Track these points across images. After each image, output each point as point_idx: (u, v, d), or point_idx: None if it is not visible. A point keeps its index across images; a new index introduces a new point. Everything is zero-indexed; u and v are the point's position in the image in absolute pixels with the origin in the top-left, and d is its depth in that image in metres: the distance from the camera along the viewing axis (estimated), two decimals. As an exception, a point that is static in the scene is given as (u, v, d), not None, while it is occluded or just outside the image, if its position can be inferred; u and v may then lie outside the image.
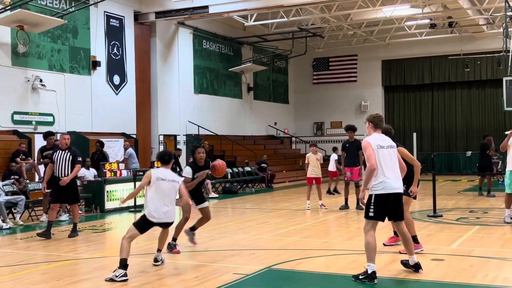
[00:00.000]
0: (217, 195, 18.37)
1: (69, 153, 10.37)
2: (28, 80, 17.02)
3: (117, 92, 20.18)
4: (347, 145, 13.90)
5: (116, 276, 6.79)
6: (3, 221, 11.63)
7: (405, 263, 6.98)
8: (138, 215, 13.99)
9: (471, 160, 27.38)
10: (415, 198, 8.23)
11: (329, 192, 17.86)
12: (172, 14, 21.39)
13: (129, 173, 15.70)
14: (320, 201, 14.21)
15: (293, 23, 25.65)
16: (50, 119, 17.65)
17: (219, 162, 8.90)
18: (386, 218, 6.75)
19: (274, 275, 7.21)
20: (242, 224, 11.90)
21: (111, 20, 19.99)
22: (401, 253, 7.80)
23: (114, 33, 20.10)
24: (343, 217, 12.80)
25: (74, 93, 18.46)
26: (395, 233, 8.47)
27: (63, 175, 10.26)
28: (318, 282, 6.88)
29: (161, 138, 22.38)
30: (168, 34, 22.98)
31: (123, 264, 6.87)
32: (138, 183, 15.20)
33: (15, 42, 16.38)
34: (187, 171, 8.68)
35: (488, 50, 26.83)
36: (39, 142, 15.77)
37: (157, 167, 7.93)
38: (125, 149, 18.04)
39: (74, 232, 10.41)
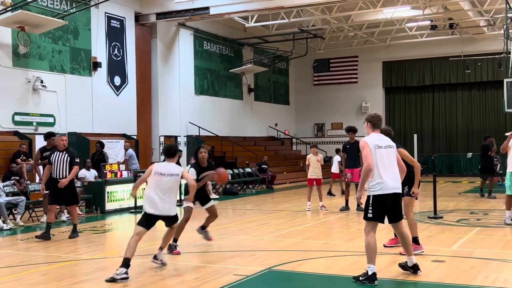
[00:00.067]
0: (217, 196, 18.37)
1: (66, 154, 10.34)
2: (29, 81, 17.02)
3: (117, 93, 20.19)
4: (347, 146, 13.90)
5: (117, 275, 6.81)
6: (4, 222, 11.63)
7: (403, 266, 6.94)
8: (139, 216, 14.02)
9: (471, 161, 27.36)
10: (416, 198, 8.24)
11: (329, 193, 17.85)
12: (173, 15, 21.40)
13: (129, 174, 15.70)
14: (320, 202, 14.21)
15: (293, 24, 25.66)
16: (50, 120, 17.66)
17: (223, 170, 8.94)
18: (386, 220, 6.73)
19: (274, 276, 7.21)
20: (242, 225, 11.90)
21: (112, 21, 20.00)
22: (401, 254, 7.80)
23: (115, 34, 20.12)
24: (343, 219, 12.79)
25: (75, 94, 18.46)
26: (395, 234, 8.46)
27: (61, 176, 10.24)
28: (319, 283, 6.88)
29: (162, 139, 22.38)
30: (169, 35, 22.99)
31: (125, 263, 6.89)
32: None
33: (16, 43, 16.39)
34: (192, 173, 8.73)
35: (489, 51, 26.81)
36: (39, 143, 15.76)
37: (162, 161, 7.96)
38: (126, 150, 18.03)
39: (74, 233, 10.41)
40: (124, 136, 19.84)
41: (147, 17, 21.57)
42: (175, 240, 8.55)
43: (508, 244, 9.18)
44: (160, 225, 7.79)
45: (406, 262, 6.90)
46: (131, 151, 18.02)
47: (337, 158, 18.61)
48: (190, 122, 23.58)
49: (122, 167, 16.92)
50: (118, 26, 20.30)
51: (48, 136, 12.92)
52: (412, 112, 31.20)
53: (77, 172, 10.90)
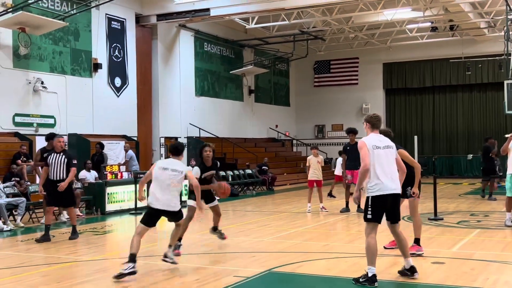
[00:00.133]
0: (218, 198, 18.33)
1: (64, 156, 10.32)
2: (30, 82, 17.04)
3: (118, 94, 20.20)
4: (348, 147, 13.89)
5: (125, 270, 6.88)
6: (4, 223, 11.64)
7: (402, 272, 6.86)
8: (139, 218, 14.02)
9: (472, 163, 27.36)
10: (418, 197, 8.25)
11: (329, 195, 17.83)
12: (173, 16, 21.41)
13: (130, 175, 15.70)
14: (321, 203, 14.21)
15: (294, 26, 25.67)
16: (51, 121, 17.67)
17: (228, 185, 8.94)
18: (384, 219, 6.71)
19: (274, 278, 7.21)
20: (243, 226, 11.91)
21: (112, 22, 20.02)
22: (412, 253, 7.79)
23: (115, 35, 20.13)
24: (344, 220, 12.79)
25: (75, 95, 18.47)
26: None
27: (58, 178, 10.21)
28: (319, 285, 6.88)
29: (162, 140, 22.39)
30: (169, 36, 23.00)
31: (132, 258, 6.97)
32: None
33: (16, 44, 16.41)
34: (196, 171, 8.78)
35: (490, 53, 26.84)
36: (40, 144, 15.76)
37: (168, 157, 7.97)
38: (126, 151, 18.03)
39: (74, 234, 10.41)
40: (124, 137, 19.85)
41: (147, 18, 21.59)
42: (179, 239, 8.55)
43: (508, 246, 9.17)
44: (160, 225, 7.78)
45: (404, 266, 6.83)
46: (131, 152, 18.02)
47: (340, 161, 18.58)
48: (190, 124, 23.59)
49: (123, 168, 16.93)
50: (119, 27, 20.31)
51: (50, 137, 12.89)
52: (412, 113, 31.20)
53: (75, 174, 10.87)
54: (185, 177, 7.59)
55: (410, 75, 30.72)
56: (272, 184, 22.44)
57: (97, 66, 19.17)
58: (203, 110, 24.70)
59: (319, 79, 32.43)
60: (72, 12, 17.80)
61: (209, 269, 7.57)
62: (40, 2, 16.85)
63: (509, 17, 19.91)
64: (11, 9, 15.79)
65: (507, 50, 19.92)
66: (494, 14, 23.91)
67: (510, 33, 19.78)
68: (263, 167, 22.71)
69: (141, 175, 15.52)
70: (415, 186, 8.00)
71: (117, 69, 20.15)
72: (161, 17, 21.47)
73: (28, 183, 14.14)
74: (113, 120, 19.64)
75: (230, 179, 20.42)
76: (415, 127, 30.56)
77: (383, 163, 6.56)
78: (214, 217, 9.39)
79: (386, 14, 23.79)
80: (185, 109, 23.54)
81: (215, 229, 9.42)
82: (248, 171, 22.19)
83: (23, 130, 16.69)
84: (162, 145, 22.36)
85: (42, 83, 17.21)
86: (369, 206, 6.54)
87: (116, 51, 20.16)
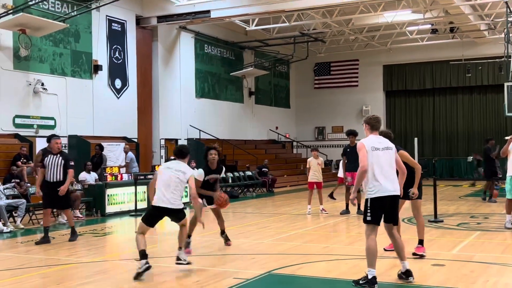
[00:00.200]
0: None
1: (61, 158, 10.29)
2: (30, 84, 17.04)
3: (118, 96, 20.20)
4: (348, 149, 13.88)
5: (140, 268, 6.98)
6: (4, 224, 11.64)
7: (400, 275, 6.81)
8: (139, 219, 14.02)
9: (472, 165, 27.32)
10: (420, 198, 8.27)
11: (330, 196, 17.75)
12: (174, 18, 21.44)
13: (130, 177, 15.70)
14: (321, 205, 14.20)
15: (294, 27, 25.70)
16: (51, 122, 17.67)
17: (224, 196, 8.92)
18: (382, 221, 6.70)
19: (274, 280, 7.20)
20: (243, 228, 11.90)
21: (113, 24, 20.03)
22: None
23: (116, 37, 20.15)
24: (344, 222, 12.79)
25: (76, 97, 18.48)
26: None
27: (55, 180, 10.19)
28: (319, 287, 6.88)
29: (162, 142, 22.40)
30: (169, 38, 23.02)
31: (142, 254, 7.06)
32: (139, 187, 15.33)
33: (17, 45, 16.42)
34: (200, 173, 8.78)
35: (490, 55, 26.85)
36: (40, 145, 15.78)
37: (173, 158, 8.02)
38: (126, 152, 18.04)
39: (73, 236, 10.40)
40: (124, 139, 19.85)
41: (148, 20, 21.61)
42: (189, 236, 8.58)
43: (508, 248, 9.17)
44: (160, 227, 7.78)
45: (400, 269, 6.78)
46: (131, 154, 18.04)
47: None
48: (190, 125, 23.60)
49: (123, 170, 16.95)
50: (119, 29, 20.33)
51: (51, 139, 12.86)
52: (412, 115, 31.21)
53: (73, 175, 10.86)
54: (187, 180, 7.54)
55: (410, 77, 30.74)
56: (272, 186, 22.43)
57: (97, 68, 19.18)
58: (203, 112, 24.71)
59: (319, 81, 32.45)
60: (72, 13, 17.81)
61: (209, 271, 7.56)
62: (40, 3, 16.86)
63: (509, 19, 19.92)
64: (11, 11, 15.80)
65: (507, 52, 19.93)
66: (494, 16, 23.92)
67: (510, 35, 19.79)
68: (263, 169, 22.71)
69: (141, 177, 15.59)
70: (414, 186, 8.00)
71: (117, 70, 20.16)
72: (161, 19, 21.49)
73: (28, 184, 14.13)
74: (113, 122, 19.64)
75: (230, 181, 20.41)
76: (415, 129, 30.58)
77: (382, 165, 6.55)
78: (218, 220, 9.41)
79: (386, 16, 23.81)
80: (185, 110, 23.55)
81: (222, 233, 9.49)
82: (248, 173, 22.19)
83: (23, 132, 16.70)
84: (162, 146, 22.36)
85: (43, 84, 17.22)
86: (368, 208, 6.53)
87: (117, 52, 20.18)
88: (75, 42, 18.54)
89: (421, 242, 8.28)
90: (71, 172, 10.40)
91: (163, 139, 22.42)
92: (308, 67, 32.02)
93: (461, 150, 29.67)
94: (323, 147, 30.72)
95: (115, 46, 20.12)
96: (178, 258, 7.57)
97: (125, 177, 15.60)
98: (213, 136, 24.25)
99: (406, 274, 6.70)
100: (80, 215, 13.88)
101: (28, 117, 17.04)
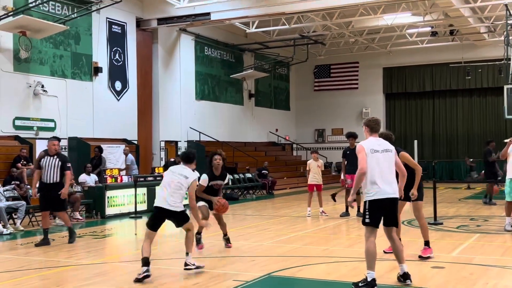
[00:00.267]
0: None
1: (58, 159, 10.24)
2: (30, 86, 17.06)
3: (118, 98, 20.21)
4: (347, 152, 13.88)
5: (139, 274, 6.99)
6: (4, 226, 11.64)
7: (399, 278, 6.79)
8: (139, 221, 14.04)
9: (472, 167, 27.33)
10: (421, 199, 8.30)
11: (333, 197, 17.65)
12: (174, 20, 21.46)
13: (130, 179, 15.70)
14: (320, 208, 14.20)
15: (294, 30, 25.72)
16: (51, 124, 17.68)
17: (223, 202, 8.92)
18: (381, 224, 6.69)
19: (274, 282, 7.20)
20: (242, 230, 11.90)
21: (113, 26, 20.05)
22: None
23: (116, 39, 20.16)
24: (343, 224, 12.78)
25: (76, 99, 18.49)
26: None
27: (51, 181, 10.15)
28: (318, 289, 6.87)
29: (162, 144, 22.41)
30: (170, 40, 23.04)
31: (145, 262, 7.06)
32: (139, 189, 15.34)
33: (17, 47, 16.44)
34: (204, 179, 8.84)
35: (489, 58, 26.86)
36: (40, 147, 15.78)
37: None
38: (126, 154, 18.04)
39: (72, 237, 10.36)
40: (124, 141, 19.85)
41: (148, 22, 21.63)
42: (199, 233, 8.73)
43: (508, 251, 9.17)
44: (160, 229, 7.77)
45: (399, 272, 6.76)
46: (131, 156, 18.04)
47: None
48: (190, 127, 23.60)
49: (123, 172, 16.96)
50: (119, 31, 20.35)
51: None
52: (412, 118, 31.23)
53: (71, 177, 10.82)
54: (190, 183, 7.52)
55: (410, 79, 30.77)
56: (272, 188, 22.43)
57: (97, 70, 19.20)
58: (203, 114, 24.72)
59: (319, 83, 32.47)
60: (72, 16, 17.85)
61: (209, 273, 7.56)
62: (41, 5, 16.90)
63: (509, 22, 19.95)
64: (12, 13, 15.83)
65: (507, 54, 19.96)
66: (494, 19, 23.95)
67: (510, 38, 19.81)
68: (263, 171, 22.71)
69: (141, 179, 15.59)
70: (414, 187, 8.02)
71: (117, 72, 20.18)
72: (161, 21, 21.52)
73: (28, 186, 14.12)
74: (113, 124, 19.65)
75: (230, 183, 20.38)
76: (415, 132, 30.60)
77: (381, 167, 6.54)
78: (220, 226, 9.49)
79: (386, 18, 23.84)
80: (185, 113, 23.56)
81: (224, 235, 9.58)
82: (248, 175, 22.19)
83: (23, 134, 16.71)
84: (162, 149, 22.37)
85: (43, 86, 17.23)
86: (367, 210, 6.53)
87: (117, 55, 20.20)
88: (75, 44, 18.56)
89: (426, 243, 8.33)
90: (69, 174, 10.38)
91: (163, 141, 22.43)
92: (308, 70, 32.05)
93: (460, 152, 29.65)
94: (323, 150, 30.74)
95: (115, 48, 20.14)
96: (186, 264, 7.53)
97: (125, 179, 15.60)
98: (213, 138, 24.26)
99: (403, 277, 6.67)
100: (80, 217, 13.89)
101: (28, 119, 17.05)
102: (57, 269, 8.12)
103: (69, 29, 17.62)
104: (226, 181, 9.37)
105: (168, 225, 7.96)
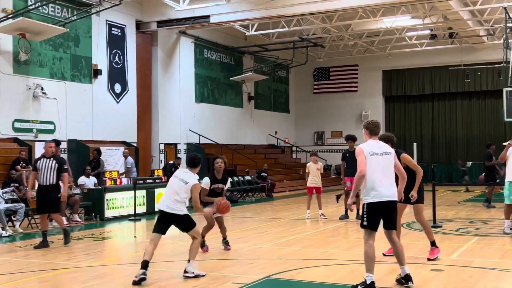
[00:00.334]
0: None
1: (54, 161, 10.21)
2: (29, 88, 17.06)
3: (118, 101, 20.22)
4: (347, 154, 13.89)
5: (136, 277, 7.02)
6: (3, 228, 11.63)
7: (399, 280, 6.79)
8: (138, 224, 14.03)
9: (471, 170, 27.36)
10: (422, 202, 8.33)
11: (338, 198, 17.55)
12: (173, 23, 21.47)
13: (129, 181, 15.70)
14: (320, 210, 14.20)
15: (294, 33, 25.74)
16: (51, 127, 17.68)
17: (224, 202, 8.89)
18: (381, 226, 6.69)
19: (273, 285, 7.20)
20: (241, 233, 11.90)
21: (112, 28, 20.07)
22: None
23: (115, 41, 20.18)
24: (342, 227, 12.78)
25: (75, 101, 18.49)
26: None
27: (47, 183, 10.14)
28: (317, 292, 6.87)
29: (162, 146, 22.40)
30: (169, 43, 23.06)
31: (143, 265, 7.09)
32: (138, 192, 15.34)
33: (16, 50, 16.44)
34: (206, 182, 8.95)
35: (489, 61, 26.91)
36: (39, 150, 15.77)
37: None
38: (125, 157, 18.02)
39: (67, 238, 10.30)
40: (124, 143, 19.85)
41: (148, 25, 21.64)
42: (202, 236, 8.83)
43: (507, 254, 9.17)
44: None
45: (400, 274, 6.75)
46: (131, 159, 18.02)
47: None
48: (190, 130, 23.60)
49: (123, 174, 16.94)
50: (119, 33, 20.37)
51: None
52: (411, 121, 31.26)
53: (68, 179, 10.79)
54: (191, 188, 7.52)
55: (409, 82, 30.80)
56: (272, 191, 22.43)
57: (97, 72, 19.21)
58: (203, 117, 24.72)
59: (318, 86, 32.49)
60: (72, 18, 17.86)
61: (208, 275, 7.55)
62: (40, 8, 16.92)
63: (508, 25, 19.98)
64: (11, 15, 15.84)
65: (506, 58, 19.97)
66: (493, 22, 23.99)
67: (509, 41, 19.83)
68: (263, 174, 22.71)
69: (140, 181, 15.59)
70: (414, 189, 8.04)
71: (117, 75, 20.19)
72: (161, 23, 21.53)
73: (27, 189, 14.11)
74: (112, 126, 19.65)
75: (230, 186, 20.34)
76: (414, 134, 30.62)
77: (380, 170, 6.54)
78: (220, 228, 9.54)
79: (386, 21, 23.87)
80: (184, 115, 23.56)
81: (224, 239, 9.63)
82: (248, 177, 22.19)
83: (22, 136, 16.70)
84: (162, 151, 22.37)
85: (42, 89, 17.24)
86: (365, 213, 6.53)
87: (116, 57, 20.21)
88: (74, 46, 18.57)
89: (433, 243, 8.38)
90: (66, 175, 10.37)
91: (162, 143, 22.42)
92: (308, 72, 32.07)
93: (460, 155, 29.63)
94: (322, 152, 30.74)
95: (115, 50, 20.15)
96: (185, 271, 7.49)
97: (124, 181, 15.60)
98: (212, 141, 24.27)
99: (405, 279, 6.66)
100: (79, 219, 13.88)
101: (27, 121, 17.05)
102: (56, 272, 8.11)
103: (69, 31, 17.63)
104: (227, 186, 9.43)
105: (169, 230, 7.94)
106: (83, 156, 17.65)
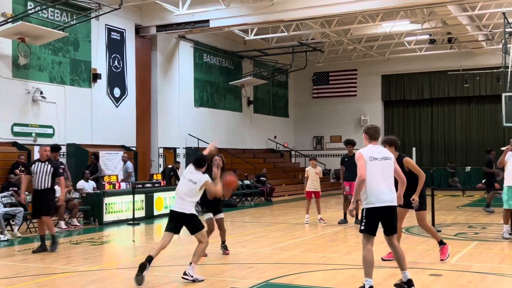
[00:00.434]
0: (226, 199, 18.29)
1: (49, 165, 10.16)
2: (29, 92, 17.06)
3: (117, 105, 20.23)
4: (346, 159, 13.90)
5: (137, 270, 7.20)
6: (1, 233, 11.62)
7: (399, 285, 6.76)
8: (136, 228, 14.02)
9: (470, 175, 27.38)
10: (424, 209, 8.35)
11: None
12: (173, 27, 21.50)
13: (128, 185, 15.70)
14: (319, 215, 14.20)
15: (293, 37, 25.79)
16: (50, 131, 17.68)
17: (234, 176, 8.99)
18: (382, 231, 6.68)
19: (271, 289, 7.19)
20: (240, 237, 11.89)
21: (112, 33, 20.09)
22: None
23: (115, 46, 20.20)
24: (341, 232, 12.78)
25: (75, 105, 18.50)
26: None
27: (42, 187, 10.09)
28: (316, 296, 6.86)
29: (161, 150, 22.39)
30: (169, 47, 23.08)
31: (147, 258, 7.24)
32: (137, 196, 15.33)
33: (16, 54, 16.45)
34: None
35: (487, 66, 26.96)
36: (38, 154, 15.74)
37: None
38: (124, 161, 18.01)
39: (54, 245, 10.07)
40: (123, 147, 19.84)
41: (147, 29, 21.67)
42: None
43: (506, 258, 9.17)
44: (159, 236, 7.77)
45: (401, 279, 6.73)
46: (130, 163, 18.01)
47: None
48: (189, 134, 23.60)
49: (120, 177, 16.93)
50: (118, 38, 20.39)
51: (53, 149, 12.82)
52: (410, 125, 31.29)
53: (71, 183, 10.78)
54: (201, 187, 7.68)
55: (408, 87, 30.84)
56: (270, 195, 22.42)
57: (96, 77, 19.22)
58: (202, 121, 24.72)
59: (317, 90, 32.52)
60: (72, 22, 17.87)
61: (206, 280, 7.54)
62: (40, 12, 16.93)
63: (506, 30, 20.03)
64: (11, 19, 15.85)
65: (505, 62, 20.01)
66: (492, 27, 24.04)
67: (508, 45, 19.87)
68: (262, 178, 22.71)
69: (139, 186, 15.58)
70: (416, 193, 8.05)
71: (116, 79, 20.20)
72: (160, 28, 21.56)
73: (26, 193, 14.08)
74: (112, 130, 19.65)
75: (236, 186, 20.28)
76: (413, 139, 30.63)
77: (380, 175, 6.53)
78: (220, 231, 9.55)
79: (385, 26, 23.91)
80: (184, 119, 23.57)
81: (223, 243, 9.66)
82: (247, 181, 22.17)
83: (21, 140, 16.69)
84: (161, 155, 22.36)
85: (41, 93, 17.23)
86: (364, 217, 6.52)
87: (116, 61, 20.23)
88: (74, 50, 18.58)
89: (440, 242, 8.52)
90: (62, 179, 10.34)
91: (161, 147, 22.42)
92: (307, 77, 32.11)
93: (459, 160, 29.67)
94: (322, 157, 30.73)
95: (114, 55, 20.17)
96: (185, 273, 7.47)
97: (123, 185, 15.59)
98: (211, 145, 24.21)
99: (408, 284, 6.62)
100: (78, 224, 13.86)
101: (26, 125, 17.04)
102: (54, 276, 8.10)
103: (68, 35, 17.64)
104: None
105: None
106: (82, 160, 17.64)
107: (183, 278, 7.39)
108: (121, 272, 8.45)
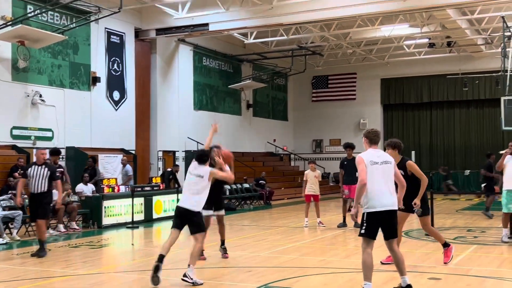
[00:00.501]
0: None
1: (46, 169, 10.11)
2: (28, 95, 17.06)
3: (116, 108, 20.23)
4: (345, 162, 13.91)
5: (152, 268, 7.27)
6: (0, 236, 11.59)
7: None
8: (136, 231, 14.00)
9: (469, 179, 27.38)
10: (427, 213, 8.37)
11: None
12: (172, 31, 21.52)
13: (127, 189, 15.68)
14: (318, 218, 14.18)
15: (292, 41, 25.82)
16: (49, 134, 17.67)
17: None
18: (382, 235, 6.67)
19: (270, 293, 7.18)
20: (239, 241, 11.88)
21: (111, 36, 20.11)
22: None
23: (114, 49, 20.21)
24: (341, 235, 12.77)
25: (74, 108, 18.50)
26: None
27: (38, 191, 10.04)
28: (315, 300, 6.84)
29: (160, 154, 22.39)
30: (168, 50, 23.10)
31: (159, 259, 7.28)
32: (136, 199, 15.31)
33: (15, 57, 16.46)
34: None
35: (487, 69, 26.97)
36: (35, 157, 15.75)
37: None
38: (123, 165, 18.00)
39: (40, 251, 9.87)
40: (122, 150, 19.83)
41: (147, 32, 21.69)
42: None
43: (504, 262, 9.17)
44: (159, 240, 7.76)
45: (400, 284, 6.71)
46: (129, 166, 17.99)
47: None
48: (188, 137, 23.59)
49: (119, 181, 16.92)
50: (118, 41, 20.40)
51: (53, 153, 12.81)
52: (410, 129, 31.29)
53: (70, 186, 10.76)
54: (209, 178, 7.80)
55: (407, 90, 30.85)
56: (270, 199, 22.41)
57: (95, 80, 19.22)
58: (202, 124, 24.69)
59: (317, 94, 32.54)
60: (71, 26, 17.88)
61: (205, 284, 7.53)
62: (39, 15, 16.94)
63: (506, 34, 20.06)
64: (10, 23, 15.86)
65: (504, 66, 20.04)
66: (491, 31, 24.07)
67: (507, 49, 19.90)
68: (261, 181, 22.70)
69: (138, 189, 15.57)
70: (418, 197, 8.05)
71: (115, 82, 20.21)
72: (160, 31, 21.58)
73: (25, 196, 14.08)
74: (111, 134, 19.64)
75: (227, 193, 20.35)
76: (412, 143, 30.60)
77: (380, 179, 6.53)
78: (219, 227, 9.57)
79: (384, 30, 23.95)
80: (183, 123, 23.57)
81: (222, 244, 9.62)
82: (246, 185, 22.16)
83: (20, 143, 16.68)
84: (160, 158, 22.34)
85: (41, 96, 17.23)
86: (364, 221, 6.52)
87: (115, 65, 20.23)
88: (73, 54, 18.59)
89: (445, 244, 8.54)
90: (59, 182, 10.30)
91: (160, 151, 22.41)
92: (306, 80, 32.13)
93: (458, 163, 29.70)
94: (321, 160, 30.72)
95: (114, 58, 20.18)
96: (184, 275, 7.46)
97: (122, 189, 15.58)
98: (210, 148, 24.21)
99: None
100: (77, 227, 13.85)
101: (25, 128, 17.04)
102: (53, 279, 8.08)
103: (68, 39, 17.66)
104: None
105: (166, 235, 7.93)
106: (82, 163, 17.60)
107: (183, 279, 7.39)
108: (119, 276, 8.44)
